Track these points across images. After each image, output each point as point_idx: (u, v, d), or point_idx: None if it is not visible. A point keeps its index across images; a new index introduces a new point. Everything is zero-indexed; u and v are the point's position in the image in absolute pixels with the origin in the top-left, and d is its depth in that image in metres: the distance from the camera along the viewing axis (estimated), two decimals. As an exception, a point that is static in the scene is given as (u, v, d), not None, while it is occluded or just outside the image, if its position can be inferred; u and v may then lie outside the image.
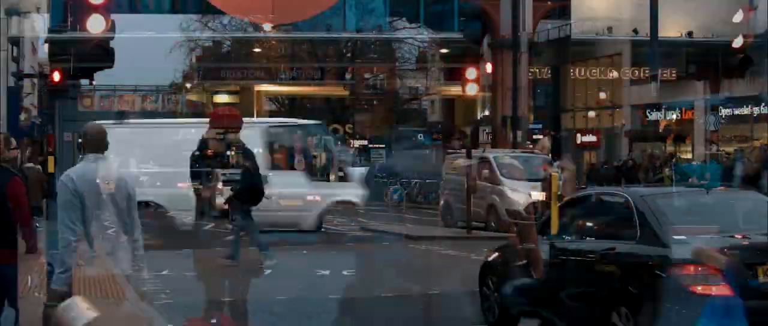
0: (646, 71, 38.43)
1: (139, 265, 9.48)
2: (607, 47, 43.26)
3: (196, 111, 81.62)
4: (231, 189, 18.77)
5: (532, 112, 44.22)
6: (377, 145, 60.11)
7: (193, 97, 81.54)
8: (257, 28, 50.08)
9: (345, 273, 17.21)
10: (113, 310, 11.50)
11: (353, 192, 26.25)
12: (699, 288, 8.17)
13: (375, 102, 65.41)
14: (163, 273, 17.26)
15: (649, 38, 36.07)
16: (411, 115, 70.10)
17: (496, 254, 11.83)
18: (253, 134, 26.77)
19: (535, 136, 41.73)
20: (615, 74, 42.46)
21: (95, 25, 10.47)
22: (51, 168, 24.43)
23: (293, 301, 13.92)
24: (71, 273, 9.06)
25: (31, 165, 26.05)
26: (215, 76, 63.53)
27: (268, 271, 17.29)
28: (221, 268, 17.44)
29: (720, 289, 7.64)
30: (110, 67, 11.14)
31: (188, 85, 78.43)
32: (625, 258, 9.49)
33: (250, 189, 17.56)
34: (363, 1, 42.61)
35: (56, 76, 11.14)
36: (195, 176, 22.24)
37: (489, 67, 40.63)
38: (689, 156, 39.11)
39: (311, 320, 12.86)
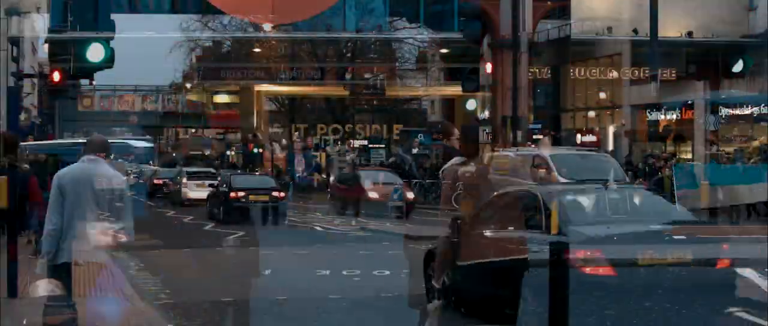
0: (646, 71, 38.42)
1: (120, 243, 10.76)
2: (607, 47, 43.26)
3: (196, 111, 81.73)
4: None
5: (532, 112, 44.20)
6: (377, 145, 60.12)
7: (193, 97, 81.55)
8: (257, 28, 50.06)
9: (345, 273, 17.20)
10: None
11: None
12: (588, 269, 9.80)
13: (375, 102, 65.44)
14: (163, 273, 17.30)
15: (649, 38, 36.06)
16: (411, 115, 70.14)
17: (439, 242, 12.60)
18: None
19: (535, 136, 41.74)
20: (615, 74, 42.45)
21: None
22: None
23: (293, 301, 13.92)
24: (50, 257, 10.17)
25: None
26: (215, 76, 63.48)
27: (268, 271, 17.29)
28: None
29: (605, 270, 9.57)
30: (110, 67, 11.14)
31: (188, 85, 78.44)
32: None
33: None
34: (363, 1, 42.60)
35: (56, 76, 11.15)
36: None
37: (489, 67, 40.63)
38: (689, 156, 39.11)
39: (311, 320, 12.85)
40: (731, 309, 10.98)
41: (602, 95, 46.05)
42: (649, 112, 42.10)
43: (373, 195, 33.04)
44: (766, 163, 30.46)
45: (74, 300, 11.01)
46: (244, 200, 30.26)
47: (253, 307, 13.47)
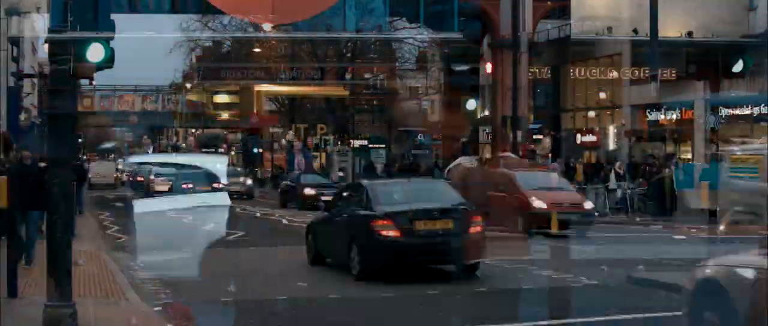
0: (646, 71, 38.39)
1: None
2: (607, 47, 43.24)
3: (196, 111, 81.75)
4: None
5: (532, 112, 44.21)
6: (377, 145, 60.15)
7: (193, 97, 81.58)
8: (257, 28, 50.05)
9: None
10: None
11: None
12: (383, 232, 15.81)
13: (375, 102, 65.46)
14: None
15: (649, 38, 36.05)
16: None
17: (315, 218, 19.49)
18: None
19: (535, 136, 41.74)
20: (615, 74, 42.44)
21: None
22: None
23: (293, 301, 13.93)
24: None
25: None
26: (215, 76, 63.48)
27: (269, 271, 17.31)
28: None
29: (395, 233, 15.73)
30: (110, 67, 11.12)
31: (188, 85, 78.47)
32: (356, 218, 16.69)
33: None
34: (363, 1, 42.60)
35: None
36: None
37: (489, 67, 40.62)
38: (689, 156, 39.12)
39: (312, 320, 12.86)
40: None
41: (602, 95, 46.03)
42: (649, 112, 42.09)
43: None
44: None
45: (74, 300, 11.02)
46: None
47: (252, 307, 13.49)
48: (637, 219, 30.04)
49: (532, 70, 40.54)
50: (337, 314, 12.96)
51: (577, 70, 43.61)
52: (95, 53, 10.73)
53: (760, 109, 36.51)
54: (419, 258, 16.20)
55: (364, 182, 18.94)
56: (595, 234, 24.13)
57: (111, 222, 30.85)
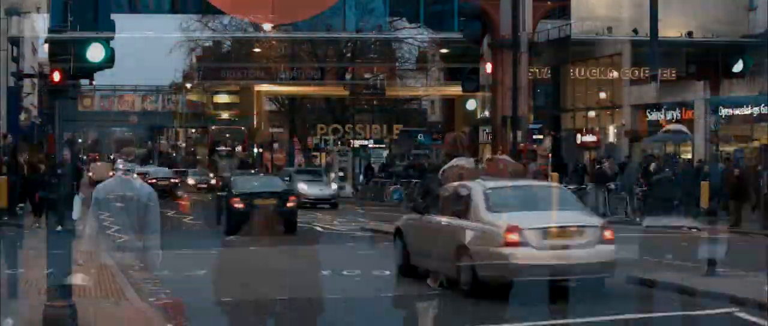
0: (646, 71, 38.39)
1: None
2: (607, 47, 43.23)
3: (196, 111, 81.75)
4: None
5: (532, 112, 44.17)
6: (378, 145, 60.13)
7: (193, 97, 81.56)
8: (257, 28, 50.04)
9: (345, 273, 17.20)
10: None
11: None
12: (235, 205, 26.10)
13: (375, 102, 65.43)
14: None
15: (649, 38, 36.03)
16: (411, 115, 70.15)
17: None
18: None
19: (535, 136, 41.70)
20: (615, 74, 42.42)
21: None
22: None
23: (293, 301, 13.92)
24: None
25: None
26: (215, 76, 63.44)
27: (269, 271, 17.31)
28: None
29: (239, 204, 25.90)
30: (110, 67, 11.13)
31: (188, 85, 78.44)
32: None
33: None
34: (363, 1, 42.59)
35: (56, 76, 11.15)
36: None
37: (489, 67, 40.61)
38: (689, 156, 39.11)
39: (312, 320, 12.85)
40: None
41: (602, 95, 46.03)
42: (649, 112, 42.08)
43: None
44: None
45: (74, 300, 11.01)
46: None
47: (252, 307, 13.48)
48: (637, 219, 30.01)
49: (532, 70, 40.49)
50: (337, 314, 12.95)
51: (577, 70, 43.60)
52: (95, 53, 10.74)
53: (760, 109, 36.49)
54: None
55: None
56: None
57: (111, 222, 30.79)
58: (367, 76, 65.33)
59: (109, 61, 10.94)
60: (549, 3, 42.71)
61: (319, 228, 28.58)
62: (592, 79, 44.07)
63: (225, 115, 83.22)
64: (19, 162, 26.30)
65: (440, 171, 17.61)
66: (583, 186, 32.94)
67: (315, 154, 61.50)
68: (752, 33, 40.35)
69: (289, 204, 26.51)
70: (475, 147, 45.81)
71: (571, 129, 47.39)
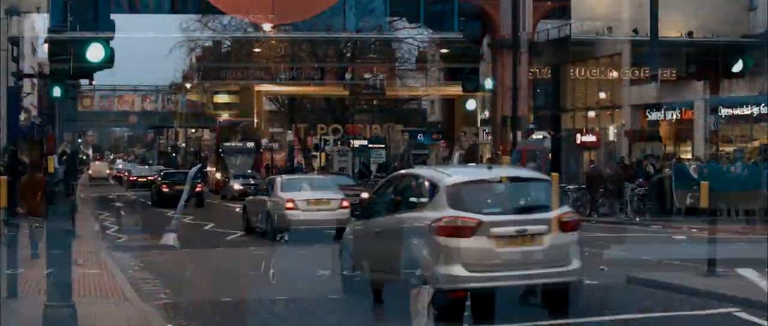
0: (646, 71, 38.38)
1: None
2: (607, 47, 43.21)
3: (196, 111, 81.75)
4: None
5: (532, 112, 44.19)
6: (377, 145, 60.13)
7: (193, 97, 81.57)
8: (257, 28, 50.04)
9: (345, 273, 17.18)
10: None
11: None
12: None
13: (375, 102, 65.44)
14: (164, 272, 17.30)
15: (649, 38, 36.02)
16: (411, 115, 70.16)
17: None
18: None
19: (534, 136, 41.63)
20: (615, 74, 42.40)
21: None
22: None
23: (293, 301, 13.92)
24: None
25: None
26: (215, 76, 63.45)
27: (269, 271, 17.31)
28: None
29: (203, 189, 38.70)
30: (110, 67, 11.13)
31: (188, 85, 78.44)
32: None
33: None
34: (363, 1, 42.58)
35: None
36: None
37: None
38: (689, 156, 39.11)
39: (311, 320, 12.85)
40: None
41: (602, 95, 45.99)
42: (649, 112, 42.06)
43: None
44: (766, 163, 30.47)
45: (74, 300, 11.01)
46: None
47: (252, 307, 13.48)
48: (637, 219, 30.03)
49: (532, 70, 40.52)
50: (337, 314, 12.95)
51: (577, 70, 43.57)
52: (95, 53, 10.74)
53: (760, 109, 36.49)
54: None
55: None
56: (595, 234, 24.10)
57: (111, 222, 30.89)
58: (367, 76, 65.35)
59: (109, 61, 10.94)
60: (549, 3, 42.72)
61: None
62: (592, 79, 44.05)
63: (225, 115, 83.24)
64: (22, 161, 26.35)
65: None
66: (583, 186, 32.94)
67: (315, 154, 61.52)
68: (752, 33, 40.33)
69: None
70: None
71: (571, 129, 47.37)
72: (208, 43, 67.19)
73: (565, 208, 12.77)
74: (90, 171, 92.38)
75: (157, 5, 41.77)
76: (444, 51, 56.29)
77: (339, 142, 58.43)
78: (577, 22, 42.58)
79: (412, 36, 56.80)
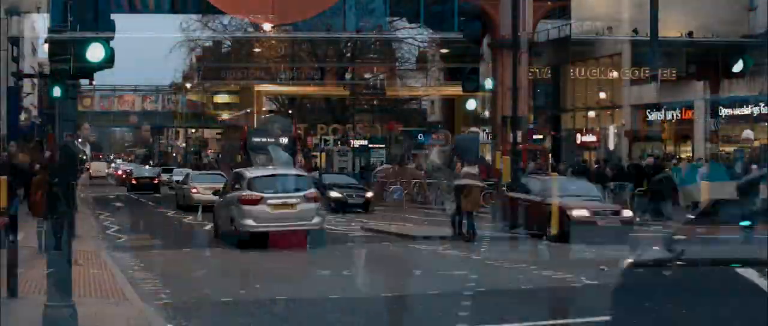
0: (646, 71, 38.40)
1: None
2: (607, 47, 43.24)
3: (196, 111, 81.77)
4: None
5: (532, 112, 44.22)
6: (377, 145, 60.13)
7: (193, 97, 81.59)
8: (257, 28, 50.04)
9: (345, 273, 17.22)
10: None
11: None
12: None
13: (375, 102, 65.42)
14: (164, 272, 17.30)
15: (649, 38, 36.03)
16: (411, 115, 70.11)
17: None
18: None
19: (534, 136, 41.62)
20: (615, 74, 42.43)
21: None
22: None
23: (293, 301, 13.93)
24: None
25: None
26: (215, 76, 63.44)
27: (269, 271, 17.33)
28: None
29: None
30: (110, 67, 11.12)
31: (188, 85, 78.44)
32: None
33: None
34: (363, 1, 42.59)
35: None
36: None
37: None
38: (689, 156, 39.13)
39: (311, 320, 12.86)
40: None
41: (602, 95, 46.04)
42: (649, 112, 42.09)
43: None
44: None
45: (74, 300, 11.01)
46: None
47: (252, 307, 13.48)
48: (637, 219, 30.01)
49: (532, 70, 40.54)
50: (337, 314, 12.96)
51: (577, 70, 43.62)
52: (95, 53, 10.73)
53: (760, 109, 36.51)
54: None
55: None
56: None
57: (111, 222, 30.88)
58: (367, 76, 65.33)
59: (109, 61, 10.92)
60: (549, 3, 42.74)
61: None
62: (592, 79, 44.09)
63: (225, 115, 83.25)
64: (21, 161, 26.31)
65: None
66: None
67: (315, 154, 61.47)
68: (752, 33, 40.36)
69: None
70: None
71: (571, 129, 47.41)
72: (208, 43, 67.19)
73: (312, 190, 22.41)
74: (90, 171, 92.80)
75: (157, 5, 41.80)
76: (444, 51, 56.28)
77: (339, 142, 58.40)
78: (577, 22, 42.62)
79: (412, 36, 56.80)
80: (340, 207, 34.05)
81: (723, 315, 7.45)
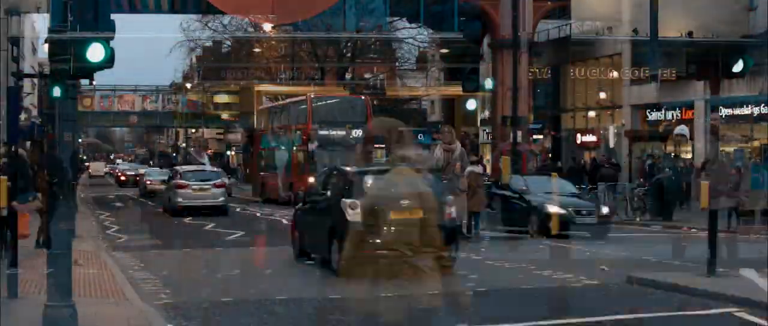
0: (646, 71, 38.38)
1: None
2: (607, 47, 43.23)
3: (196, 111, 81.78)
4: None
5: (532, 112, 44.21)
6: (378, 145, 60.07)
7: (193, 97, 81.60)
8: (257, 28, 50.03)
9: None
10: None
11: None
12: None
13: (375, 102, 65.35)
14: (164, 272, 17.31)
15: (649, 38, 36.02)
16: (411, 115, 70.09)
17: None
18: None
19: (535, 136, 41.63)
20: (615, 74, 42.42)
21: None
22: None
23: (293, 301, 13.92)
24: None
25: None
26: (215, 76, 63.44)
27: (269, 271, 17.33)
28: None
29: None
30: (110, 67, 11.12)
31: (188, 85, 78.46)
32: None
33: None
34: (363, 1, 42.57)
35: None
36: None
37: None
38: (689, 156, 39.12)
39: (311, 320, 12.85)
40: None
41: (602, 95, 46.03)
42: (649, 112, 42.08)
43: None
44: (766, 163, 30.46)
45: (74, 300, 11.01)
46: None
47: (252, 307, 13.48)
48: (637, 219, 30.04)
49: (532, 70, 40.53)
50: (336, 314, 12.95)
51: (577, 70, 43.59)
52: (95, 53, 10.72)
53: (760, 109, 36.50)
54: None
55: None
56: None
57: (111, 222, 30.91)
58: (367, 76, 65.32)
59: (109, 61, 10.92)
60: (549, 3, 42.73)
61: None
62: (592, 79, 44.07)
63: (225, 115, 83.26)
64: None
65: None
66: (583, 186, 32.93)
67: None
68: (752, 33, 40.33)
69: None
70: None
71: (571, 129, 47.40)
72: (208, 43, 67.22)
73: (223, 179, 35.93)
74: (90, 170, 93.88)
75: (157, 5, 41.80)
76: (444, 51, 56.28)
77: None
78: (577, 22, 42.60)
79: (412, 36, 56.82)
80: None
81: None
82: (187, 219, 31.87)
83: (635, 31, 39.90)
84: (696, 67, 42.39)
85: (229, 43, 65.90)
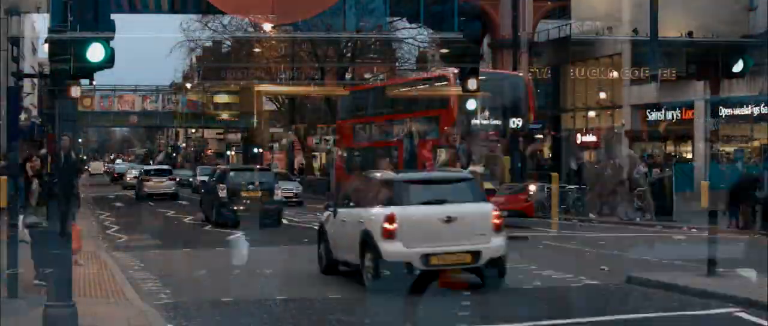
0: (646, 71, 38.41)
1: None
2: (607, 47, 43.24)
3: (196, 111, 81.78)
4: None
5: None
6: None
7: (193, 97, 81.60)
8: (257, 28, 50.04)
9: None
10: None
11: None
12: None
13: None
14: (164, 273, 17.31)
15: (649, 38, 36.04)
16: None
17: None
18: None
19: (535, 136, 41.60)
20: (615, 74, 42.42)
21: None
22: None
23: (293, 301, 13.92)
24: None
25: None
26: (215, 76, 63.41)
27: (269, 271, 17.33)
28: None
29: None
30: (110, 67, 11.11)
31: (188, 85, 78.44)
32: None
33: None
34: (363, 1, 42.58)
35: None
36: None
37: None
38: (689, 156, 39.12)
39: (311, 320, 12.85)
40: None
41: (602, 95, 46.04)
42: (649, 112, 42.09)
43: None
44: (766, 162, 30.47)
45: (74, 301, 11.01)
46: None
47: (252, 307, 13.48)
48: (637, 219, 30.01)
49: (532, 70, 40.55)
50: (337, 314, 12.95)
51: (577, 70, 43.61)
52: (95, 53, 10.72)
53: (760, 109, 36.51)
54: None
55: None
56: (597, 234, 24.11)
57: (111, 222, 30.92)
58: (367, 76, 65.27)
59: (109, 61, 10.91)
60: (549, 3, 42.76)
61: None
62: (592, 79, 44.08)
63: (225, 115, 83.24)
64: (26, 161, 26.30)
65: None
66: (584, 186, 32.93)
67: (315, 153, 61.48)
68: (752, 33, 40.36)
69: None
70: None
71: (571, 129, 47.40)
72: (208, 43, 67.18)
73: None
74: (90, 170, 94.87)
75: (157, 5, 41.82)
76: (444, 51, 56.25)
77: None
78: (577, 22, 42.62)
79: (412, 36, 56.78)
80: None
81: None
82: (187, 219, 31.86)
83: (635, 31, 39.92)
84: (696, 67, 42.43)
85: (229, 43, 65.84)
